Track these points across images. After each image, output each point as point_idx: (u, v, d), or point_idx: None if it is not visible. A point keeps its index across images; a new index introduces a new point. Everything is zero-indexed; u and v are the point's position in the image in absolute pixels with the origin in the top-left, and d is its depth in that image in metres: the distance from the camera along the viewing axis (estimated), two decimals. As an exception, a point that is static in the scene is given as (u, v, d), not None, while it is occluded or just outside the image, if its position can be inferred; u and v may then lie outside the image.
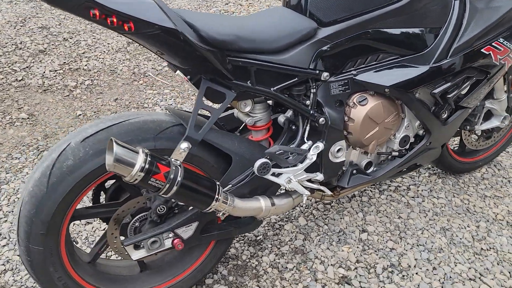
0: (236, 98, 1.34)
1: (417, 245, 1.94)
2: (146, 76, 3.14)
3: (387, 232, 2.00)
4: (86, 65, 3.22)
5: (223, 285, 1.74)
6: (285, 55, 1.35)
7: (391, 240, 1.96)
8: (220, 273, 1.78)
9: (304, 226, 2.01)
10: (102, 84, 3.02)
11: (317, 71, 1.41)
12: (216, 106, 1.33)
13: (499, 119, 2.05)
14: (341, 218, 2.06)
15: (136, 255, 1.38)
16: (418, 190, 2.23)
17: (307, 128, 1.51)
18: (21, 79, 3.04)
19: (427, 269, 1.83)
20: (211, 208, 1.30)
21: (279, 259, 1.85)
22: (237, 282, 1.75)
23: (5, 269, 1.77)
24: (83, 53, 3.39)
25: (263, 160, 1.41)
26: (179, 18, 1.14)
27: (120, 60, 3.33)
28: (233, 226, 1.55)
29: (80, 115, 2.71)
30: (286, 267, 1.82)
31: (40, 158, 2.35)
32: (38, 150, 2.40)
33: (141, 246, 1.39)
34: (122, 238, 1.46)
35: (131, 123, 1.30)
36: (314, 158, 1.49)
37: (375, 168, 1.72)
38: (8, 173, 2.26)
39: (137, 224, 1.42)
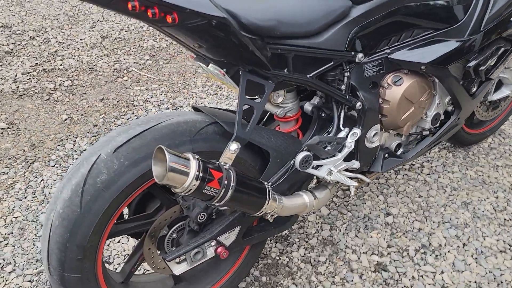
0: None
1: (443, 223, 1.91)
2: (130, 71, 2.93)
3: (411, 212, 1.96)
4: (61, 65, 2.96)
5: (257, 287, 1.64)
6: (322, 37, 1.25)
7: (416, 220, 1.92)
8: (252, 274, 1.69)
9: (328, 216, 1.94)
10: (84, 84, 2.79)
11: (352, 53, 1.32)
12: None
13: (509, 88, 2.03)
14: (363, 203, 2.00)
15: (179, 269, 1.26)
16: (432, 167, 2.21)
17: (342, 114, 1.42)
18: (-9, 85, 2.77)
19: (458, 246, 1.80)
20: (262, 211, 1.19)
21: (309, 253, 1.78)
22: (272, 282, 1.66)
23: (16, 298, 1.60)
24: (55, 51, 3.13)
25: (305, 153, 1.31)
26: (219, 5, 1.01)
27: (97, 56, 3.09)
28: (272, 226, 1.45)
29: (66, 119, 2.48)
30: (319, 261, 1.75)
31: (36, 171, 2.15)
32: (27, 162, 2.19)
33: (183, 258, 1.27)
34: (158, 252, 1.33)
35: (164, 127, 1.16)
36: (353, 145, 1.42)
37: (403, 150, 1.67)
38: (-2, 190, 2.05)
39: (174, 235, 1.30)
